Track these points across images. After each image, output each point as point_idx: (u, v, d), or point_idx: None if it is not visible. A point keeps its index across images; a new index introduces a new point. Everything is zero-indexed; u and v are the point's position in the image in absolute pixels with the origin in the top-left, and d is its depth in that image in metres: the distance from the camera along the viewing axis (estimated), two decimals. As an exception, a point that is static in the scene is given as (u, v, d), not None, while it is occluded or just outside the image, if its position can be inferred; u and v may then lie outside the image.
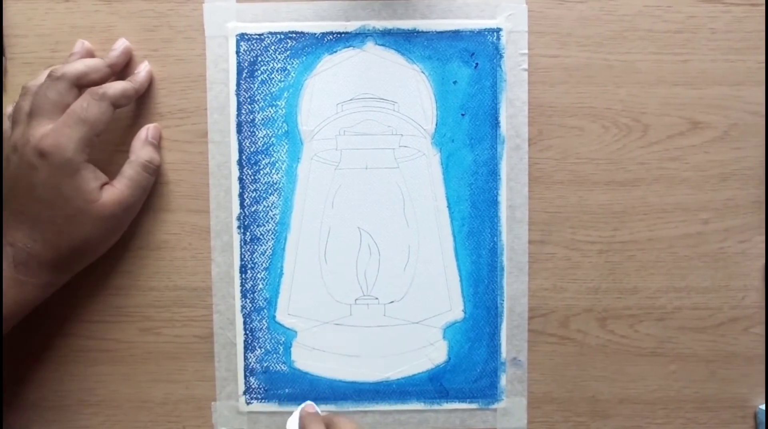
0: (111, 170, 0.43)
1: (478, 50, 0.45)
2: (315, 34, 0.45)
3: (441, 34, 0.45)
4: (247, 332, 0.45)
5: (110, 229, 0.43)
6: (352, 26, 0.45)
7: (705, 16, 0.45)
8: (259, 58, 0.45)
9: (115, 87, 0.42)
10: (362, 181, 0.45)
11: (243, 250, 0.45)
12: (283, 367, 0.46)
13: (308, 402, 0.43)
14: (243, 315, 0.45)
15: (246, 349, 0.45)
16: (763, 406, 0.45)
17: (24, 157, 0.40)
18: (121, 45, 0.44)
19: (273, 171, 0.45)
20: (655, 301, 0.46)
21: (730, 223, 0.45)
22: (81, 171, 0.40)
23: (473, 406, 0.46)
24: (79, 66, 0.42)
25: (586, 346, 0.46)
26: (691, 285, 0.46)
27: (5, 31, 0.45)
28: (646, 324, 0.46)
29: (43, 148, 0.39)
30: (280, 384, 0.46)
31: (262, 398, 0.46)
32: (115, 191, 0.42)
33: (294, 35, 0.45)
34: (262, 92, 0.45)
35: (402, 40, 0.45)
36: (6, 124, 0.43)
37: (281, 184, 0.45)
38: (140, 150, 0.44)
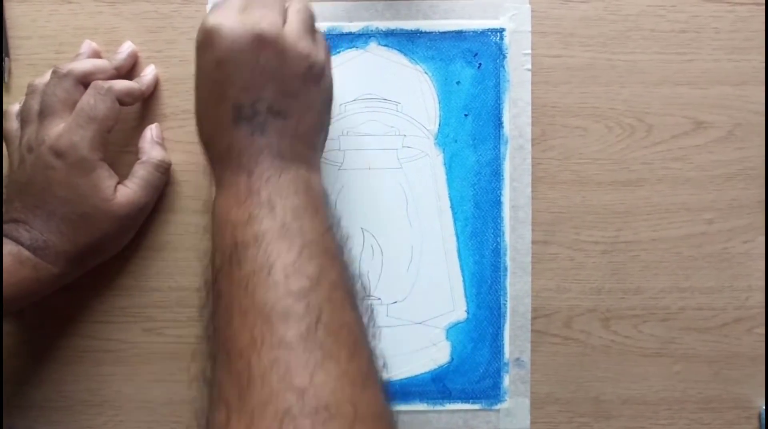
0: (118, 171, 0.43)
1: (481, 50, 0.45)
2: None
3: (444, 35, 0.45)
4: (251, 333, 0.45)
5: (124, 229, 0.43)
6: (354, 27, 0.45)
7: (709, 15, 0.45)
8: (262, 59, 0.45)
9: (121, 83, 0.42)
10: (365, 181, 0.45)
11: (246, 250, 0.45)
12: (286, 368, 0.46)
13: None
14: (246, 315, 0.45)
15: (249, 349, 0.45)
16: (764, 407, 0.45)
17: (41, 156, 0.40)
18: (127, 48, 0.44)
19: (276, 171, 0.45)
20: (658, 301, 0.46)
21: (734, 224, 0.45)
22: (97, 169, 0.41)
23: (476, 406, 0.46)
24: (86, 64, 0.42)
25: (589, 346, 0.46)
26: (695, 285, 0.45)
27: (9, 33, 0.45)
28: (649, 324, 0.46)
29: (59, 148, 0.40)
30: (284, 384, 0.46)
31: (265, 398, 0.46)
32: (128, 192, 0.42)
33: (297, 36, 0.45)
34: (265, 93, 0.45)
35: (405, 41, 0.45)
36: (13, 123, 0.43)
37: (284, 184, 0.45)
38: (150, 150, 0.44)
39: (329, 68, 0.39)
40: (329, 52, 0.39)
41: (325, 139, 0.40)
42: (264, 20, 0.36)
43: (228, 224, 0.34)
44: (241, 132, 0.36)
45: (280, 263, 0.32)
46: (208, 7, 0.45)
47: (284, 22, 0.37)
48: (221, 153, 0.36)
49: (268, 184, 0.35)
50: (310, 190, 0.36)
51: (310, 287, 0.32)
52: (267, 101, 0.36)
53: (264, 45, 0.35)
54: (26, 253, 0.40)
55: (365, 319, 0.35)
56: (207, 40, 0.36)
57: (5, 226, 0.41)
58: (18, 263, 0.40)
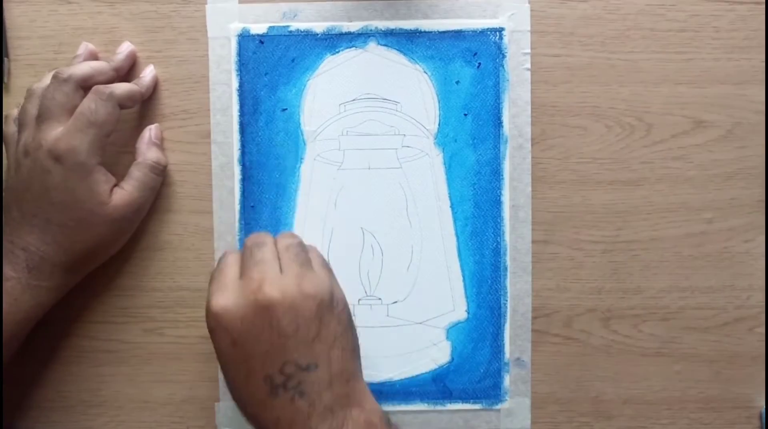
0: (117, 172, 0.43)
1: (481, 50, 0.45)
2: (317, 34, 0.45)
3: (443, 34, 0.45)
4: (251, 333, 0.45)
5: (121, 231, 0.43)
6: (354, 26, 0.45)
7: (708, 14, 0.45)
8: (262, 59, 0.45)
9: (122, 87, 0.42)
10: (365, 181, 0.45)
11: (246, 250, 0.45)
12: (286, 368, 0.46)
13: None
14: (246, 315, 0.45)
15: (249, 349, 0.45)
16: (765, 407, 0.45)
17: (38, 161, 0.40)
18: (126, 48, 0.44)
19: (276, 172, 0.45)
20: (659, 300, 0.46)
21: (734, 223, 0.45)
22: (94, 173, 0.41)
23: (477, 406, 0.45)
24: (85, 68, 0.42)
25: (589, 346, 0.46)
26: (695, 285, 0.45)
27: (8, 33, 0.45)
28: (650, 324, 0.46)
29: (57, 152, 0.40)
30: (284, 384, 0.46)
31: (265, 399, 0.46)
32: (124, 194, 0.42)
33: (296, 35, 0.45)
34: (265, 93, 0.45)
35: (404, 40, 0.45)
36: (11, 127, 0.43)
37: (284, 184, 0.45)
38: (146, 151, 0.44)
39: (337, 286, 0.39)
40: (329, 268, 0.40)
41: (359, 357, 0.39)
42: (264, 284, 0.36)
43: None
44: (281, 403, 0.36)
45: None
46: (207, 7, 0.45)
47: (281, 267, 0.37)
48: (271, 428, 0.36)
49: None
50: None
51: None
52: (293, 361, 0.36)
53: (272, 309, 0.36)
54: (24, 280, 0.40)
55: None
56: (217, 324, 0.36)
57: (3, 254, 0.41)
58: (18, 294, 0.40)
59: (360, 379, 0.39)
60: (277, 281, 0.37)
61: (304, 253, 0.39)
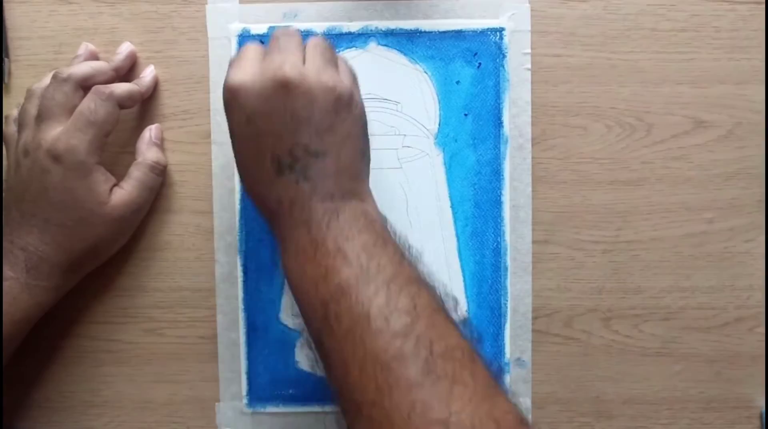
0: (117, 171, 0.43)
1: (481, 50, 0.45)
2: (317, 34, 0.45)
3: (444, 34, 0.45)
4: (251, 333, 0.45)
5: (120, 231, 0.43)
6: (354, 26, 0.45)
7: (709, 14, 0.45)
8: (262, 59, 0.45)
9: (122, 87, 0.42)
10: (365, 181, 0.45)
11: (246, 250, 0.45)
12: (286, 368, 0.46)
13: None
14: (246, 316, 0.45)
15: (249, 349, 0.45)
16: (765, 406, 0.45)
17: (37, 160, 0.40)
18: (125, 49, 0.44)
19: (276, 172, 0.45)
20: (659, 300, 0.46)
21: (734, 223, 0.45)
22: (93, 173, 0.41)
23: (477, 406, 0.45)
24: (85, 68, 0.42)
25: (590, 346, 0.46)
26: (695, 285, 0.45)
27: (9, 33, 0.45)
28: (650, 324, 0.46)
29: (56, 152, 0.40)
30: (284, 385, 0.46)
31: (265, 399, 0.46)
32: (123, 193, 0.42)
33: (296, 36, 0.45)
34: (265, 93, 0.45)
35: (405, 40, 0.45)
36: (11, 127, 0.43)
37: (284, 184, 0.45)
38: (146, 151, 0.44)
39: (358, 93, 0.38)
40: (355, 77, 0.39)
41: (368, 164, 0.39)
42: (285, 65, 0.36)
43: (308, 283, 0.35)
44: (286, 183, 0.36)
45: (375, 308, 0.33)
46: (208, 7, 0.45)
47: (304, 60, 0.37)
48: (273, 208, 0.37)
49: (329, 230, 0.35)
50: (371, 223, 0.37)
51: (411, 322, 0.33)
52: (303, 145, 0.36)
53: (289, 89, 0.35)
54: (23, 279, 0.40)
55: (465, 330, 0.35)
56: (233, 99, 0.36)
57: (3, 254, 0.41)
58: (17, 294, 0.40)
59: (366, 183, 0.39)
60: (297, 66, 0.36)
61: (330, 52, 0.38)
